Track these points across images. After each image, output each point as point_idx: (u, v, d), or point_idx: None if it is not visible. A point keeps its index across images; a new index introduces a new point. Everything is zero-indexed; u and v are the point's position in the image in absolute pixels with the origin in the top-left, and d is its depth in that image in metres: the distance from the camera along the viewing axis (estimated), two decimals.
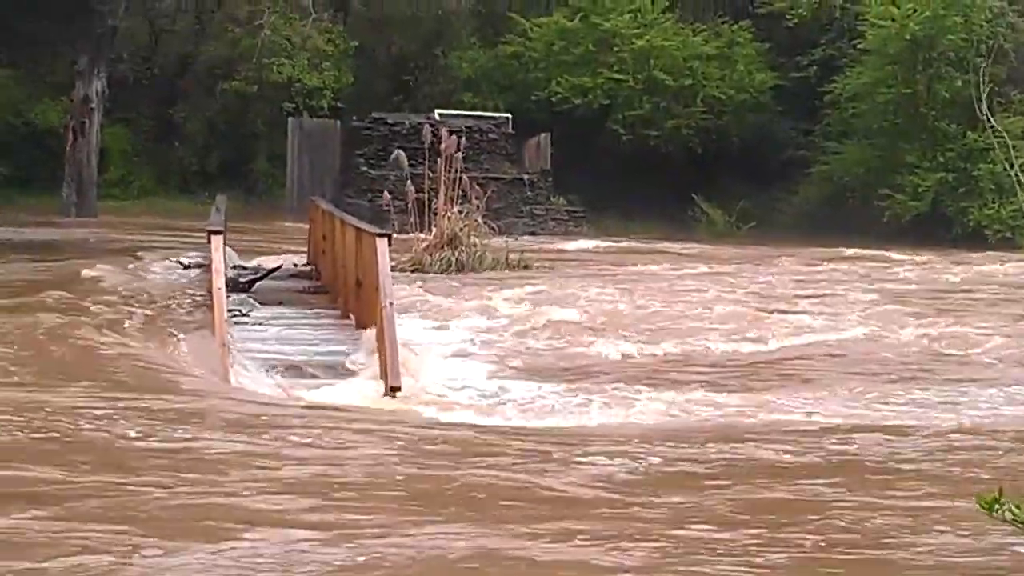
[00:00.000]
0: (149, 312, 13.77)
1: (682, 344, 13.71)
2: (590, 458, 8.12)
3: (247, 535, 6.07)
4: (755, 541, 6.23)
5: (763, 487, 7.50)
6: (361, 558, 5.78)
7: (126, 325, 12.71)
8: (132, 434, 8.29)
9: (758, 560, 5.91)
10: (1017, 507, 4.26)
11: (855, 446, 8.73)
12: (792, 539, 6.27)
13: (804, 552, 6.08)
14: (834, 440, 8.89)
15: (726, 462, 8.17)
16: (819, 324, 15.04)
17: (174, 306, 14.42)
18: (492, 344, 13.72)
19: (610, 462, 7.99)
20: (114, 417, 8.73)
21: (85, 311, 13.55)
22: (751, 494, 7.29)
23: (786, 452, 8.49)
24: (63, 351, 11.45)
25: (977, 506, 4.38)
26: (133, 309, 13.87)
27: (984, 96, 31.50)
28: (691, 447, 8.58)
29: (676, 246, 28.36)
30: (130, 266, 18.85)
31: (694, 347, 13.59)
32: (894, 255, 26.25)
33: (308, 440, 8.41)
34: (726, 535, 6.32)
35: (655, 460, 8.10)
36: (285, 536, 6.08)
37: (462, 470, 7.70)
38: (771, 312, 16.00)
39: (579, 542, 6.15)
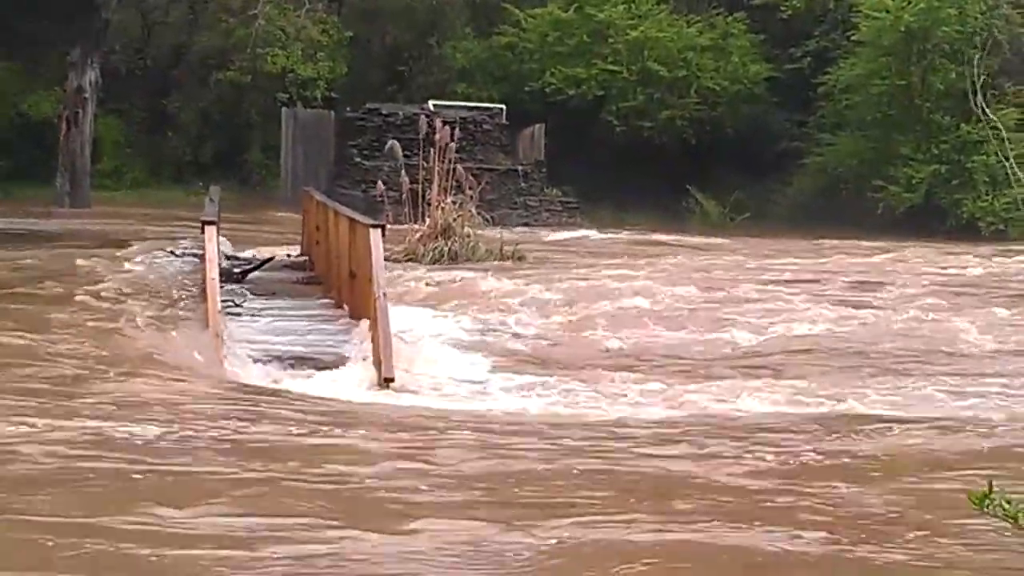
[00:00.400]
0: (145, 303, 13.76)
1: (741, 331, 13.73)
2: (737, 450, 8.12)
3: (430, 524, 6.18)
4: (926, 533, 6.23)
5: (928, 478, 7.47)
6: (553, 541, 5.87)
7: (138, 320, 12.73)
8: (263, 431, 8.40)
9: (939, 554, 5.92)
10: (1008, 502, 4.23)
11: (1001, 433, 8.68)
12: (969, 530, 6.23)
13: (982, 543, 6.05)
14: (981, 431, 8.81)
15: (881, 452, 8.10)
16: (894, 317, 14.95)
17: (173, 296, 14.43)
18: (487, 335, 13.71)
19: (764, 453, 8.02)
20: (226, 414, 8.83)
21: (87, 303, 13.60)
22: (917, 485, 7.28)
23: (936, 442, 8.42)
24: (104, 343, 11.49)
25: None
26: (132, 301, 13.88)
27: (980, 88, 31.54)
28: (832, 438, 8.50)
29: (670, 237, 28.33)
30: (117, 254, 18.85)
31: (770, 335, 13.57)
32: (909, 248, 26.13)
33: (451, 437, 8.48)
34: (898, 526, 6.33)
35: (805, 451, 8.07)
36: (467, 526, 6.18)
37: (621, 463, 7.74)
38: (835, 303, 16.00)
39: (756, 531, 6.23)
